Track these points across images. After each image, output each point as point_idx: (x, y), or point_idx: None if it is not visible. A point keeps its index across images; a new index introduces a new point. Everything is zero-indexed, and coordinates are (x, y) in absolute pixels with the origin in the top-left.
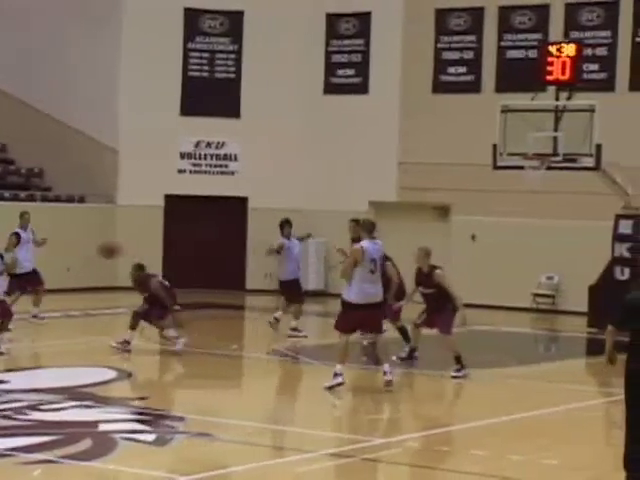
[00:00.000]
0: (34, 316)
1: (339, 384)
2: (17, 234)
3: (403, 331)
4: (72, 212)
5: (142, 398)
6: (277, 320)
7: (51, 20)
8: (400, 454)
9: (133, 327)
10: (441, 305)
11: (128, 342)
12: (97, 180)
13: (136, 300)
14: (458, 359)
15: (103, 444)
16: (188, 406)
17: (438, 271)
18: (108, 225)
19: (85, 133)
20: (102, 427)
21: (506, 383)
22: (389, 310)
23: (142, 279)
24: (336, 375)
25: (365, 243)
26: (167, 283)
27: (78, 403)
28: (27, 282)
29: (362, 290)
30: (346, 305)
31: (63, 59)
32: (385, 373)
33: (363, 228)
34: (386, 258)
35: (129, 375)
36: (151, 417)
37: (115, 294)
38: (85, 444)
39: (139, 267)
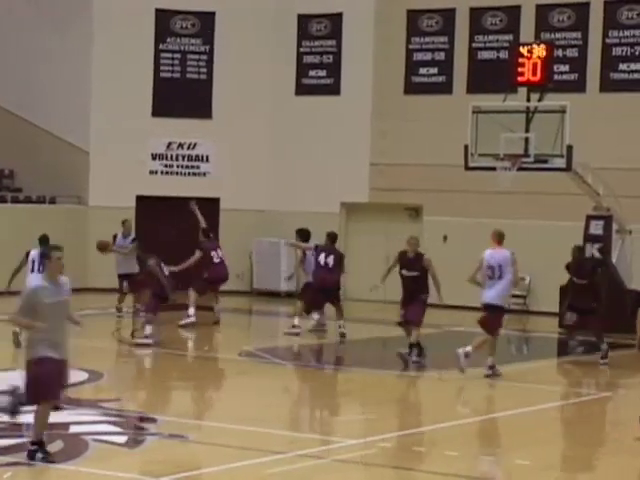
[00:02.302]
0: None
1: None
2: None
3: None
4: (43, 213)
5: (114, 400)
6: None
7: (20, 21)
8: (373, 455)
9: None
10: (416, 294)
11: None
12: (68, 181)
13: (106, 303)
14: (419, 344)
15: (74, 446)
16: (160, 408)
17: (427, 256)
18: (79, 226)
19: (56, 134)
20: (73, 429)
21: (479, 384)
22: None
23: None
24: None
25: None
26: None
27: None
28: None
29: None
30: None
31: (33, 60)
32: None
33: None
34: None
35: (101, 377)
36: (123, 419)
37: (86, 295)
38: (56, 446)
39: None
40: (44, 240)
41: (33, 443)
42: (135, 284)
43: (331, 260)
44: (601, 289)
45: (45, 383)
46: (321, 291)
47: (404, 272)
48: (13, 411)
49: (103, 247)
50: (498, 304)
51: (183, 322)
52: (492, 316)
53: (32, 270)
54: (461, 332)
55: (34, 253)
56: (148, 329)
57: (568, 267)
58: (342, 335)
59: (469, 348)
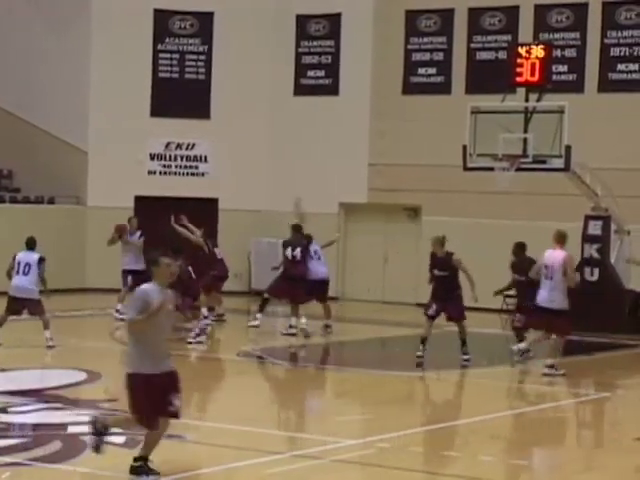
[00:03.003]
0: None
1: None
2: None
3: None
4: (41, 213)
5: (112, 400)
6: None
7: (19, 21)
8: (370, 455)
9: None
10: (450, 291)
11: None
12: (66, 181)
13: (105, 303)
14: (464, 342)
15: (72, 446)
16: None
17: (456, 256)
18: (78, 227)
19: (54, 134)
20: (71, 429)
21: (477, 384)
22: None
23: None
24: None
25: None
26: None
27: (47, 405)
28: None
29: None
30: None
31: (32, 60)
32: None
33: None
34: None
35: (99, 377)
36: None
37: (84, 296)
38: (54, 446)
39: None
40: (30, 242)
41: (138, 459)
42: (141, 282)
43: (298, 253)
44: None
45: (142, 407)
46: (288, 280)
47: (436, 272)
48: (97, 446)
49: (122, 230)
50: (557, 308)
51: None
52: (559, 320)
53: (17, 272)
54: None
55: (20, 255)
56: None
57: (513, 266)
58: (326, 327)
59: (524, 345)
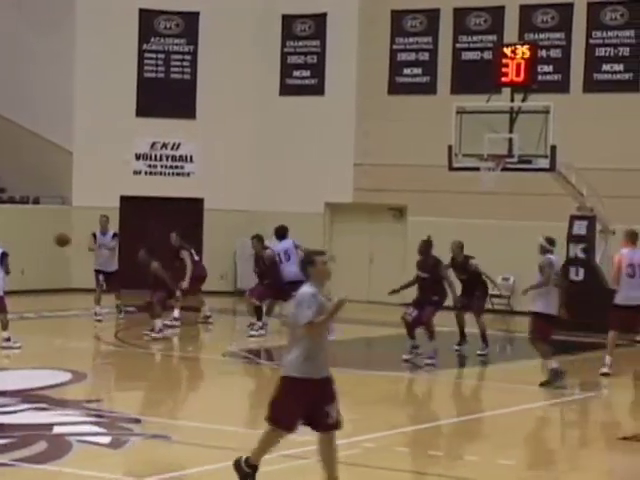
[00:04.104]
0: None
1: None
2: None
3: (258, 310)
4: (26, 213)
5: (97, 400)
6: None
7: (4, 21)
8: (357, 455)
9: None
10: (470, 291)
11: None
12: (52, 181)
13: (89, 303)
14: (484, 337)
15: (58, 447)
16: (144, 408)
17: (472, 260)
18: (63, 227)
19: (40, 134)
20: (57, 430)
21: (463, 384)
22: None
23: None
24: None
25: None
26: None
27: (33, 406)
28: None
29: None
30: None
31: (17, 60)
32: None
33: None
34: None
35: (84, 377)
36: (106, 419)
37: (70, 296)
38: (40, 447)
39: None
40: None
41: (249, 465)
42: (114, 282)
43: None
44: (450, 284)
45: (287, 407)
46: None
47: (460, 276)
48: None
49: (63, 242)
50: None
51: (169, 324)
52: None
53: None
54: (447, 332)
55: None
56: (159, 323)
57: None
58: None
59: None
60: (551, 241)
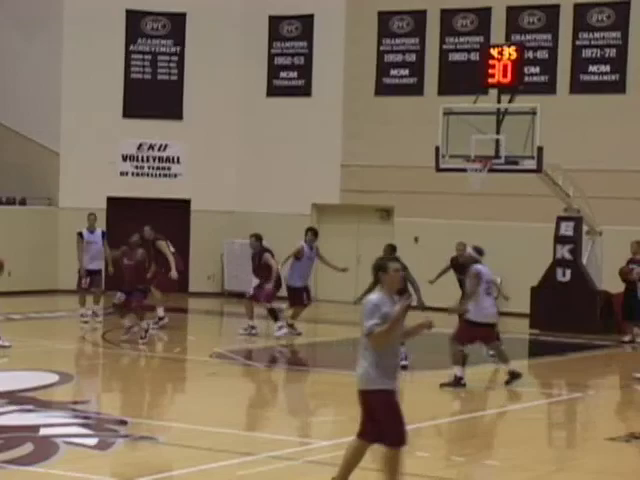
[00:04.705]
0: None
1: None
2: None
3: (272, 312)
4: (13, 214)
5: (84, 402)
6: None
7: None
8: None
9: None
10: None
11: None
12: (38, 183)
13: (77, 305)
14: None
15: (45, 448)
16: (130, 409)
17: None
18: (50, 228)
19: (26, 135)
20: (43, 431)
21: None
22: (262, 293)
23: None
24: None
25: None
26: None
27: (19, 407)
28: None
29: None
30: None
31: (3, 61)
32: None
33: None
34: (266, 250)
35: (71, 379)
36: (93, 421)
37: (56, 297)
38: (26, 448)
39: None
40: None
41: None
42: (99, 281)
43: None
44: (416, 288)
45: (394, 421)
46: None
47: (459, 276)
48: None
49: None
50: None
51: (158, 324)
52: None
53: None
54: (433, 334)
55: None
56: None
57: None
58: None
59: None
60: (479, 251)
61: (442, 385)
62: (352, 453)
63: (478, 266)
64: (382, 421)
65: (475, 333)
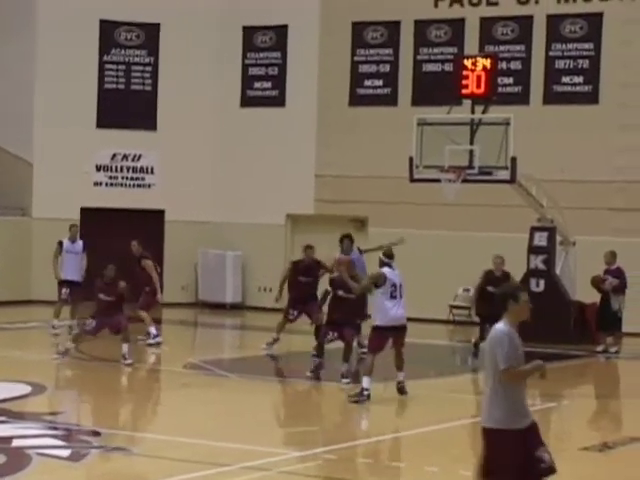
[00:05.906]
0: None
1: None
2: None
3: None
4: None
5: (57, 413)
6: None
7: None
8: (317, 467)
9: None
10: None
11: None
12: (11, 193)
13: (50, 315)
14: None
15: (17, 460)
16: (104, 420)
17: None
18: (23, 238)
19: None
20: (16, 443)
21: (424, 395)
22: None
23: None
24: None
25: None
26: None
27: None
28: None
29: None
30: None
31: None
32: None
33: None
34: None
35: (44, 390)
36: (66, 432)
37: (29, 308)
38: None
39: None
40: None
41: None
42: (79, 293)
43: None
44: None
45: (518, 459)
46: None
47: (490, 289)
48: None
49: None
50: None
51: (152, 341)
52: None
53: None
54: (412, 344)
55: None
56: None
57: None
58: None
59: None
60: (389, 255)
61: (350, 397)
62: None
63: (385, 269)
64: (495, 462)
65: (384, 338)
